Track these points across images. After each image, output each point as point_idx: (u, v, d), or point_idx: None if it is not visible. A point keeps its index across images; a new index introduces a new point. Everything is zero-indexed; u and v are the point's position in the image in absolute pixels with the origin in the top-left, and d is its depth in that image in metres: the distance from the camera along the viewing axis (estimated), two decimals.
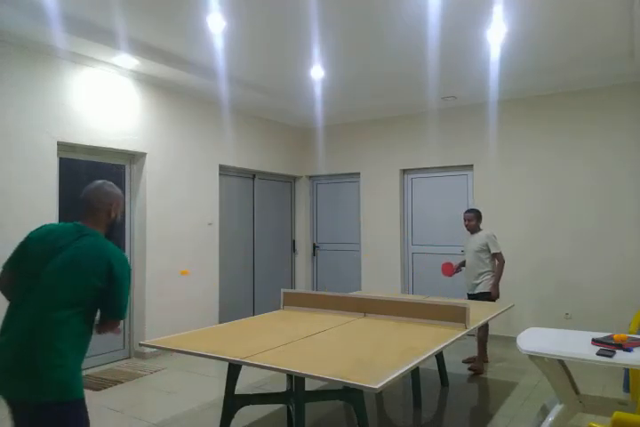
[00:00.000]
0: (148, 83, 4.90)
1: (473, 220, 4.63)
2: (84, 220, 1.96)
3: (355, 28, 3.79)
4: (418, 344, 2.61)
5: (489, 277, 4.51)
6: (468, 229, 4.68)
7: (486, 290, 4.48)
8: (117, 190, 2.07)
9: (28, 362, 1.71)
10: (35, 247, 1.86)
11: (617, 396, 3.64)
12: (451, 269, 4.71)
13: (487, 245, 4.51)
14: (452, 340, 2.74)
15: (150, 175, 4.90)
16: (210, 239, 5.57)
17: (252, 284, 6.42)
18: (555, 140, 5.39)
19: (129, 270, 1.97)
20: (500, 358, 4.84)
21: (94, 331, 1.92)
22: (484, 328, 4.46)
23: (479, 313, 3.48)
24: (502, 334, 5.39)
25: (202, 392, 3.91)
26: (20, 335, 1.74)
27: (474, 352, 4.73)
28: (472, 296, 4.56)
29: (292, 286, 7.12)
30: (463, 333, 2.91)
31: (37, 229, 1.93)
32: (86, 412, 1.81)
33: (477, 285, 4.53)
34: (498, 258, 4.52)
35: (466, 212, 4.72)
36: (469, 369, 4.36)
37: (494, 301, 4.44)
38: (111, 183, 2.09)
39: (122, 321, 2.01)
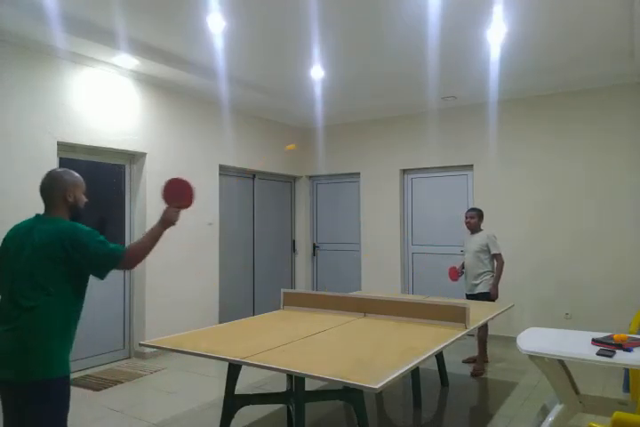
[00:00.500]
0: (148, 83, 4.90)
1: (475, 218, 4.59)
2: (45, 209, 2.07)
3: (355, 28, 3.79)
4: (418, 344, 2.61)
5: (488, 277, 4.50)
6: (469, 228, 4.65)
7: (485, 290, 4.47)
8: (70, 176, 2.11)
9: (15, 347, 1.85)
10: (11, 245, 2.01)
11: (617, 396, 3.64)
12: (456, 273, 4.70)
13: (487, 246, 4.48)
14: (452, 340, 2.73)
15: (150, 175, 4.90)
16: (210, 239, 5.57)
17: (252, 284, 6.42)
18: (555, 140, 5.39)
19: (87, 231, 1.97)
20: (500, 358, 4.84)
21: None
22: (483, 328, 4.45)
23: (479, 313, 3.48)
24: (502, 334, 5.39)
25: (202, 392, 3.91)
26: (7, 325, 1.88)
27: (474, 352, 4.73)
28: (471, 296, 4.55)
29: (292, 286, 7.12)
30: (463, 333, 2.91)
31: (11, 229, 2.09)
32: (69, 389, 1.93)
33: (477, 285, 4.52)
34: (498, 259, 4.49)
35: (468, 210, 4.71)
36: (472, 374, 4.34)
37: (493, 301, 4.44)
38: (64, 170, 2.14)
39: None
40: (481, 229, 4.63)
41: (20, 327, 1.86)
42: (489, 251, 4.49)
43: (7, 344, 1.86)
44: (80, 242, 1.93)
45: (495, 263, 4.52)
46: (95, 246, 1.94)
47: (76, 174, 2.14)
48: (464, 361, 4.68)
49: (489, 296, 4.45)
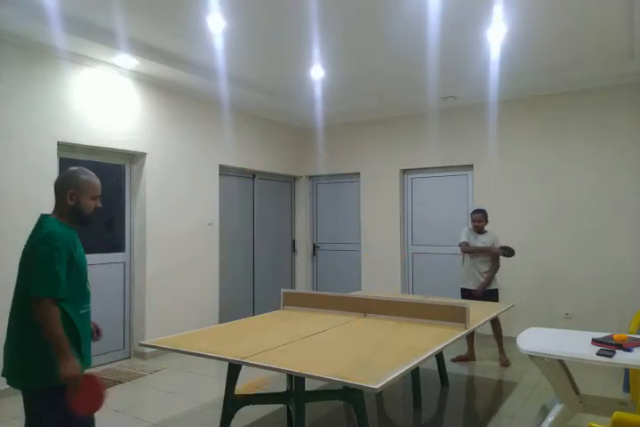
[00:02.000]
0: (148, 83, 4.90)
1: (482, 221, 4.68)
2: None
3: (355, 28, 3.79)
4: (418, 344, 2.61)
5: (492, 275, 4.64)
6: (477, 230, 4.70)
7: (493, 287, 4.61)
8: (78, 177, 1.99)
9: (7, 353, 1.92)
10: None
11: (617, 396, 3.64)
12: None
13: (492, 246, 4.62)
14: (452, 340, 2.74)
15: (150, 175, 4.90)
16: (210, 239, 5.57)
17: (252, 284, 6.42)
18: (555, 140, 5.39)
19: (49, 247, 1.85)
20: (498, 357, 4.84)
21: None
22: (497, 323, 4.68)
23: (479, 313, 3.48)
24: (502, 334, 5.38)
25: (202, 392, 3.91)
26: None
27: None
28: (474, 294, 4.60)
29: (292, 286, 7.12)
30: (463, 333, 2.91)
31: None
32: (57, 403, 1.86)
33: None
34: (498, 260, 4.63)
35: (474, 212, 4.73)
36: (502, 364, 4.58)
37: (480, 298, 4.53)
38: (79, 169, 2.02)
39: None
40: (485, 230, 4.72)
41: (8, 331, 1.95)
42: None
43: (5, 349, 1.95)
44: (32, 256, 1.86)
45: (495, 263, 4.64)
46: (39, 269, 1.83)
47: (89, 177, 2.02)
48: (453, 360, 4.69)
49: (496, 293, 4.63)
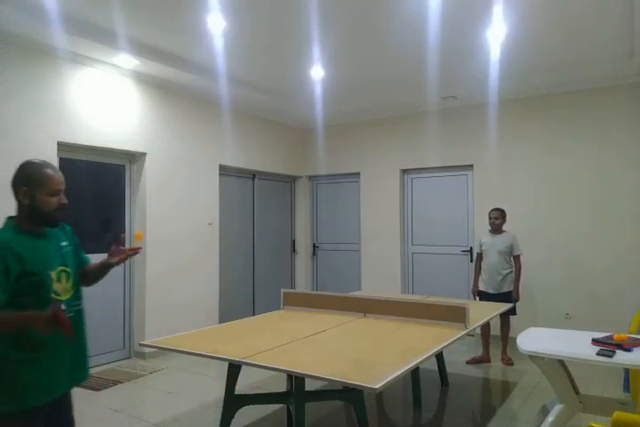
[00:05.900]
0: (148, 83, 4.90)
1: (499, 218, 4.67)
2: None
3: (355, 28, 3.79)
4: (418, 344, 2.61)
5: (513, 275, 4.65)
6: (494, 228, 4.71)
7: (512, 289, 4.64)
8: (33, 170, 1.71)
9: None
10: None
11: (617, 396, 3.64)
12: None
13: (512, 247, 4.61)
14: (452, 340, 2.74)
15: (150, 175, 4.90)
16: (210, 239, 5.57)
17: (252, 284, 6.42)
18: (555, 140, 5.39)
19: None
20: (500, 357, 4.84)
21: None
22: (506, 325, 4.70)
23: (479, 313, 3.48)
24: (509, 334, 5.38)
25: (202, 392, 3.91)
26: None
27: (475, 352, 4.82)
28: (493, 296, 4.58)
29: (292, 286, 7.12)
30: (463, 333, 2.91)
31: None
32: None
33: (504, 284, 4.61)
34: (519, 260, 4.64)
35: (492, 210, 4.74)
36: (505, 364, 4.61)
37: (517, 301, 4.60)
38: (30, 162, 1.74)
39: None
40: (503, 230, 4.72)
41: None
42: (511, 252, 4.62)
43: None
44: None
45: (517, 265, 4.66)
46: None
47: (43, 170, 1.73)
48: (468, 362, 4.68)
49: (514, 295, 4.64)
